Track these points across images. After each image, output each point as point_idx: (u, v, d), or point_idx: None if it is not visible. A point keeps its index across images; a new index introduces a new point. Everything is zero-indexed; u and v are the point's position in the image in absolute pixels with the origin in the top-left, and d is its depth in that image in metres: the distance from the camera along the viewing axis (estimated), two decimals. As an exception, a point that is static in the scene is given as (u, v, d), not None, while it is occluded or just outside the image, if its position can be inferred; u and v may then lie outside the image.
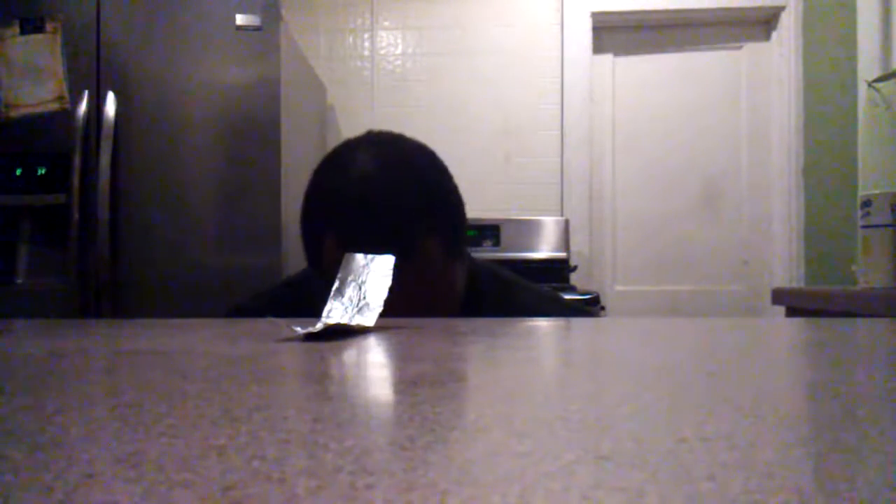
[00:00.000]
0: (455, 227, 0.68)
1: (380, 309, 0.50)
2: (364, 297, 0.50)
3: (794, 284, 2.33)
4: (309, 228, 0.68)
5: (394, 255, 0.56)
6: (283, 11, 1.73)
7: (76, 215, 1.61)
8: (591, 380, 0.28)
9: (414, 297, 0.62)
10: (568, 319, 0.68)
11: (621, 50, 2.55)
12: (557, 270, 2.18)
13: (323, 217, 0.65)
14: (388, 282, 0.51)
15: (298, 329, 0.43)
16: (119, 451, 0.15)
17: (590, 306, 1.82)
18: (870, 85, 1.90)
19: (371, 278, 0.52)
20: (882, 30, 1.92)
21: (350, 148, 0.67)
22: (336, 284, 0.52)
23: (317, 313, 0.55)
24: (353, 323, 0.47)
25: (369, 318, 0.49)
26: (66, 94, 1.67)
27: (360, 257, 0.54)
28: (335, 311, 0.50)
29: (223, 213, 1.67)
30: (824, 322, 0.62)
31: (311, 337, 0.43)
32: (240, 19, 1.67)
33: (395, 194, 0.63)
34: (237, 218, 1.67)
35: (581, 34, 2.45)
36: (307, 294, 0.76)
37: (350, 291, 0.51)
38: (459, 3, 2.50)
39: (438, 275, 0.67)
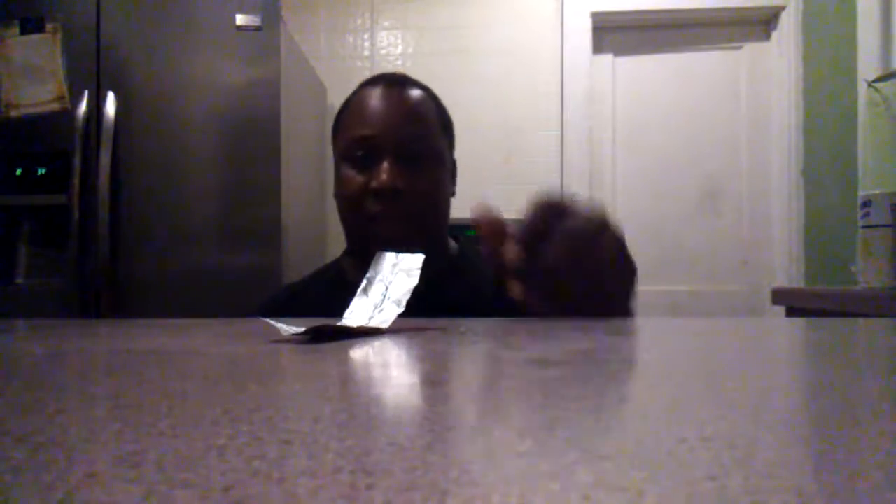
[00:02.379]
0: (452, 138, 0.85)
1: (401, 309, 0.49)
2: (387, 298, 0.49)
3: (794, 284, 2.33)
4: (340, 118, 0.82)
5: (418, 142, 0.76)
6: (283, 11, 1.73)
7: (76, 215, 1.61)
8: (591, 380, 0.28)
9: (426, 188, 0.76)
10: (568, 320, 0.68)
11: (621, 50, 2.55)
12: None
13: (352, 101, 0.81)
14: (415, 280, 0.50)
15: (296, 330, 0.43)
16: (119, 451, 0.15)
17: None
18: (870, 85, 1.90)
19: (398, 278, 0.50)
20: (882, 30, 1.92)
21: (369, 80, 0.83)
22: (364, 283, 0.50)
23: (339, 301, 0.59)
24: (370, 324, 0.46)
25: (384, 319, 0.48)
26: (66, 94, 1.67)
27: (390, 256, 0.51)
28: (358, 312, 0.48)
29: (223, 213, 1.67)
30: (824, 322, 0.62)
31: (315, 338, 0.43)
32: (240, 19, 1.67)
33: (420, 98, 0.80)
34: (237, 218, 1.67)
35: (581, 34, 2.45)
36: (331, 281, 0.89)
37: (374, 291, 0.50)
38: (459, 3, 2.50)
39: (443, 178, 0.80)
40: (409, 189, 0.74)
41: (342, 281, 0.83)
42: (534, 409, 0.20)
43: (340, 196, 0.80)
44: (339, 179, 0.80)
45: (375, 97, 0.78)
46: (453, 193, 0.85)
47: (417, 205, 0.75)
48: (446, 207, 0.83)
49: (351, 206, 0.78)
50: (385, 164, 0.74)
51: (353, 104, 0.80)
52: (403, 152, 0.75)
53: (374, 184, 0.74)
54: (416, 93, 0.80)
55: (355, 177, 0.76)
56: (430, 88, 0.84)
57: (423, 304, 0.71)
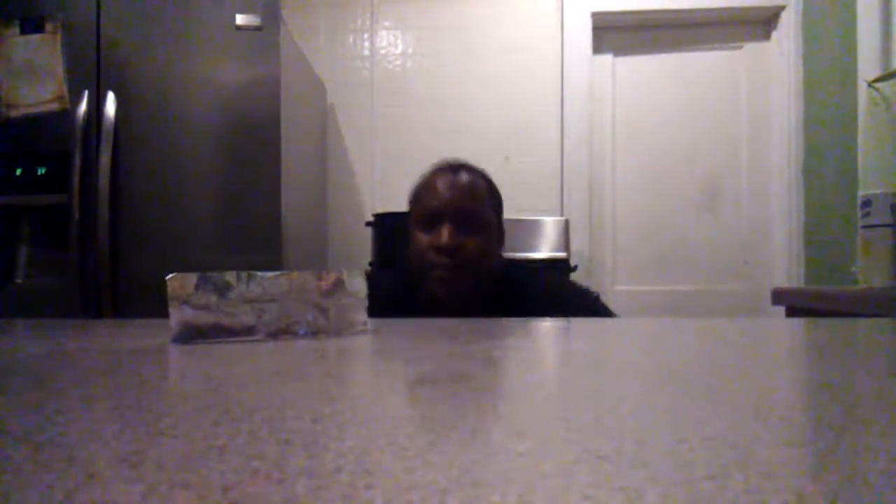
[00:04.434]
0: (500, 216, 1.09)
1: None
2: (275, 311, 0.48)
3: (794, 284, 2.33)
4: (415, 194, 1.07)
5: (471, 213, 1.00)
6: (283, 11, 1.73)
7: (76, 215, 1.61)
8: (592, 380, 0.28)
9: (475, 247, 1.00)
10: (568, 320, 0.68)
11: (621, 50, 2.55)
12: (557, 270, 2.18)
13: (424, 180, 1.07)
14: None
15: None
16: (119, 451, 0.15)
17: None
18: (870, 85, 1.90)
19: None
20: (882, 30, 1.92)
21: (438, 165, 1.09)
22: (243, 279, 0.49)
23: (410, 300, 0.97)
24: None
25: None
26: (66, 94, 1.67)
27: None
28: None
29: (223, 213, 1.67)
30: (824, 322, 0.62)
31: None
32: (240, 19, 1.67)
33: (474, 180, 1.05)
34: (237, 218, 1.67)
35: (581, 34, 2.45)
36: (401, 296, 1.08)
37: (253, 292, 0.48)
38: (459, 3, 2.50)
39: (490, 240, 1.03)
40: (462, 247, 0.99)
41: (410, 299, 1.05)
42: (534, 409, 0.20)
43: (412, 250, 1.04)
44: (412, 239, 1.04)
45: (440, 178, 1.04)
46: (502, 249, 1.10)
47: (467, 259, 0.99)
48: (491, 262, 1.05)
49: (418, 258, 1.02)
50: (445, 228, 0.98)
51: (424, 183, 1.06)
52: (459, 220, 0.99)
53: (436, 242, 0.98)
54: (471, 176, 1.05)
55: (423, 237, 1.01)
56: (485, 172, 1.09)
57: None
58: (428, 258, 1.00)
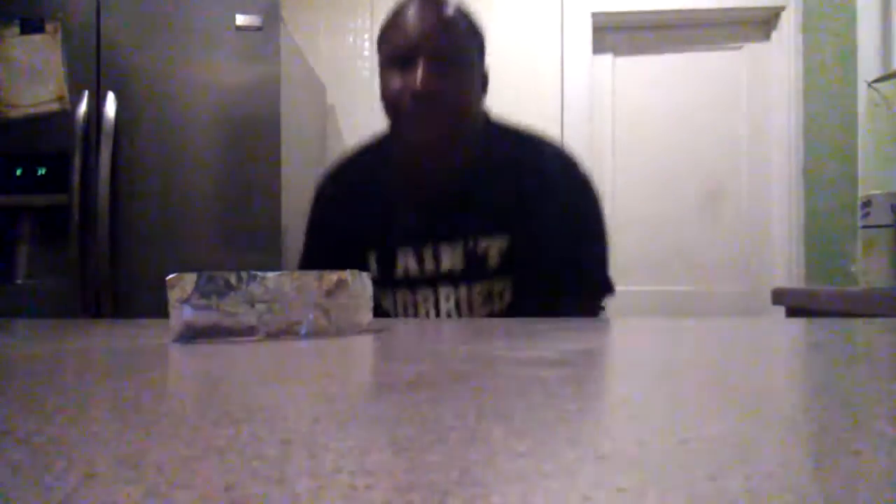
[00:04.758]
0: (482, 48, 0.97)
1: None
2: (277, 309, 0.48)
3: (794, 284, 2.33)
4: (383, 30, 0.96)
5: (450, 45, 0.88)
6: (283, 11, 1.73)
7: (76, 215, 1.61)
8: (592, 380, 0.28)
9: (455, 89, 0.89)
10: (568, 320, 0.68)
11: (621, 50, 2.55)
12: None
13: (393, 15, 0.94)
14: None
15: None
16: (119, 451, 0.15)
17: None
18: (870, 85, 1.90)
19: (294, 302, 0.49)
20: (882, 30, 1.92)
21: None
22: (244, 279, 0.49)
23: (383, 182, 0.96)
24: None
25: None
26: (66, 94, 1.67)
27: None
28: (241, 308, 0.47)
29: (223, 213, 1.67)
30: (824, 322, 0.62)
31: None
32: (240, 19, 1.67)
33: (453, 13, 0.91)
34: (237, 218, 1.67)
35: (581, 34, 2.45)
36: (381, 157, 1.02)
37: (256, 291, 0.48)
38: (459, 3, 2.50)
39: (472, 81, 0.93)
40: (440, 89, 0.87)
41: (387, 164, 0.99)
42: (534, 409, 0.20)
43: (384, 95, 0.94)
44: (383, 82, 0.94)
45: (413, 11, 0.91)
46: (485, 99, 1.00)
47: (446, 102, 0.88)
48: (473, 108, 0.95)
49: (392, 103, 0.92)
50: (419, 69, 0.86)
51: (393, 18, 0.94)
52: (435, 59, 0.87)
53: (410, 86, 0.87)
54: (446, 9, 0.92)
55: (395, 80, 0.90)
56: (465, 5, 0.96)
57: (450, 199, 0.93)
58: (403, 104, 0.89)
